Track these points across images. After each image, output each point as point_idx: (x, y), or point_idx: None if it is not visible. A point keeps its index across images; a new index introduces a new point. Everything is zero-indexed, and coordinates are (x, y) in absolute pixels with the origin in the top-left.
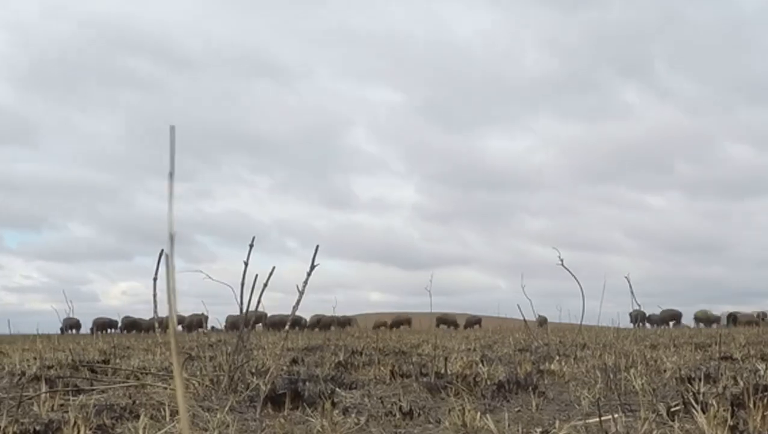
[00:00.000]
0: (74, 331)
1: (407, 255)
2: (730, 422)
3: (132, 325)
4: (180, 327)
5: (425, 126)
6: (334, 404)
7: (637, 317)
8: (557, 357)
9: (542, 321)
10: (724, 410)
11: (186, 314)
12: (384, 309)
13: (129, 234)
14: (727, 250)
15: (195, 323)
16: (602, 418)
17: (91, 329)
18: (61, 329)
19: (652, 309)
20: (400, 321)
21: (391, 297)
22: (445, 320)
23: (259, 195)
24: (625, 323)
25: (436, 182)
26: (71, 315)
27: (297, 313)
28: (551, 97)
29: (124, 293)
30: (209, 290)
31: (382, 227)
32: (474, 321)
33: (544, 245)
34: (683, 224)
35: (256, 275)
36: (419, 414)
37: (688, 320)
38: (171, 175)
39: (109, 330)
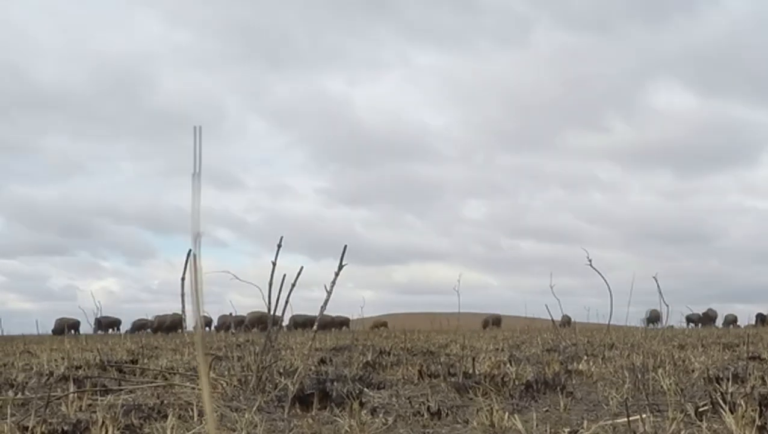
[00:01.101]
0: (73, 332)
1: (353, 248)
2: (758, 422)
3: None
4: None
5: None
6: (362, 404)
7: (657, 318)
8: (585, 357)
9: (566, 321)
10: (752, 410)
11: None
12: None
13: None
14: (711, 240)
15: (177, 322)
16: (630, 418)
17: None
18: (53, 330)
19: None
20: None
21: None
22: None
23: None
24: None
25: (319, 152)
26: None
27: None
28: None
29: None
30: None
31: (306, 215)
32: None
33: (498, 233)
34: (644, 203)
35: (284, 275)
36: (447, 414)
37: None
38: (196, 175)
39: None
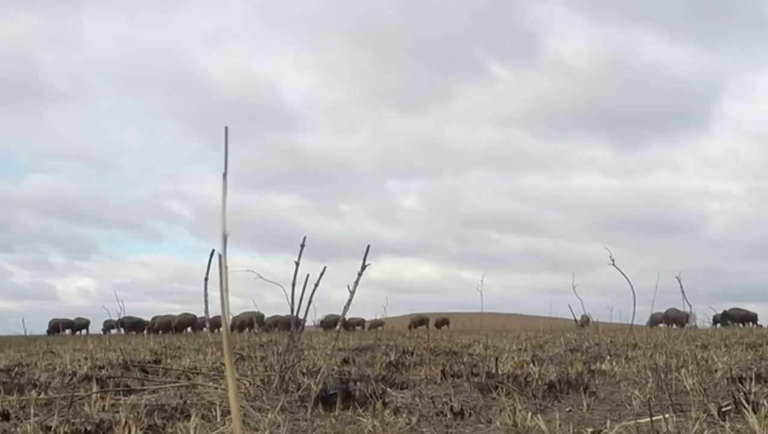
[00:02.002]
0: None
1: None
2: None
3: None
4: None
5: None
6: (385, 404)
7: (677, 318)
8: (608, 357)
9: (585, 321)
10: None
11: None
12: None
13: None
14: (692, 229)
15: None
16: (653, 418)
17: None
18: (48, 331)
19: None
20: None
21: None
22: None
23: None
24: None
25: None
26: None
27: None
28: None
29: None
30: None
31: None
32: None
33: (448, 223)
34: (592, 185)
35: (308, 275)
36: (470, 414)
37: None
38: (225, 175)
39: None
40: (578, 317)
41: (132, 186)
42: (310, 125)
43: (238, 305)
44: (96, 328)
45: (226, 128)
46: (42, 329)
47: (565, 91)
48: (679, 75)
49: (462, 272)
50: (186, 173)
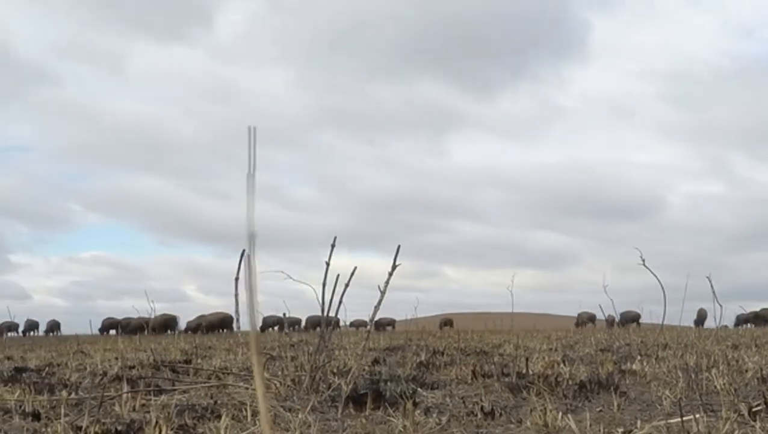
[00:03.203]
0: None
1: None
2: None
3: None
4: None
5: None
6: (415, 404)
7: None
8: (639, 357)
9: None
10: None
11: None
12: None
13: None
14: (648, 214)
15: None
16: (684, 418)
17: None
18: (23, 331)
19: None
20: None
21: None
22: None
23: None
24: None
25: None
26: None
27: (292, 315)
28: None
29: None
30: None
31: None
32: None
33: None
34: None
35: (338, 275)
36: (501, 414)
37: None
38: (251, 175)
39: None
40: (585, 316)
41: None
42: None
43: (215, 306)
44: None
45: (251, 128)
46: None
47: None
48: None
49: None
50: None
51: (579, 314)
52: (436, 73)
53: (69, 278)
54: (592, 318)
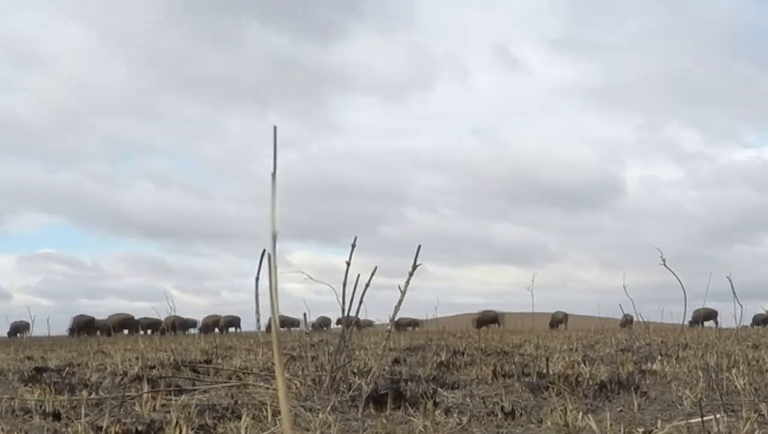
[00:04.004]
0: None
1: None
2: None
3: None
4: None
5: None
6: (436, 404)
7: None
8: (659, 357)
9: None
10: None
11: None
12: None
13: None
14: (603, 200)
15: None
16: (704, 418)
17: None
18: (9, 333)
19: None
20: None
21: None
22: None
23: None
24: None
25: None
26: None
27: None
28: None
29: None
30: None
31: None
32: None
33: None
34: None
35: (359, 275)
36: (521, 414)
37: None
38: (274, 174)
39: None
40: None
41: None
42: None
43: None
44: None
45: (275, 127)
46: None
47: None
48: None
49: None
50: None
51: (553, 315)
52: None
53: (36, 277)
54: (562, 319)
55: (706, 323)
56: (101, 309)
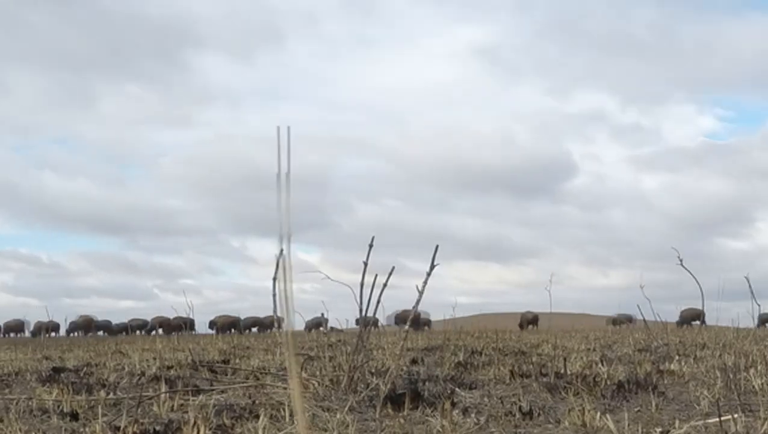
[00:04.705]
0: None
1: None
2: None
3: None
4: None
5: None
6: (453, 404)
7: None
8: (677, 357)
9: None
10: None
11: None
12: None
13: None
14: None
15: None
16: (722, 418)
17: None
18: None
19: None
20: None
21: None
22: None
23: None
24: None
25: None
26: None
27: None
28: None
29: None
30: None
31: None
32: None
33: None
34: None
35: (376, 275)
36: (539, 414)
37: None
38: (287, 174)
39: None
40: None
41: None
42: None
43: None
44: None
45: (288, 128)
46: None
47: None
48: None
49: None
50: None
51: (522, 315)
52: None
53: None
54: (531, 320)
55: (694, 324)
56: (93, 310)
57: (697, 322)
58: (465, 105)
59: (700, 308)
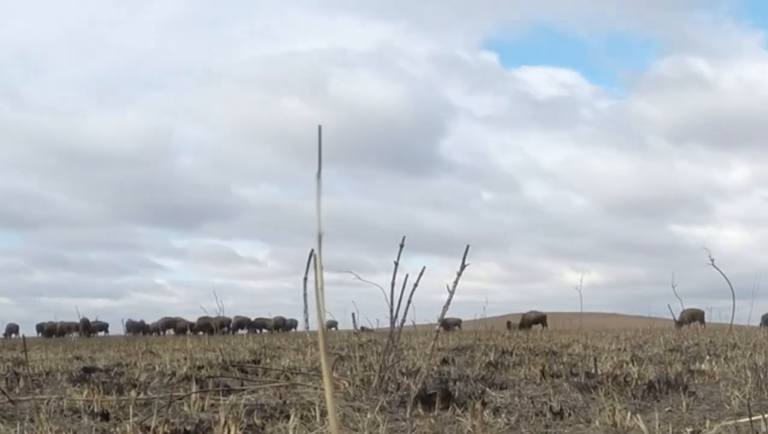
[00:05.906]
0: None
1: None
2: None
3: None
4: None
5: None
6: (484, 404)
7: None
8: (708, 357)
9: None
10: None
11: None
12: None
13: None
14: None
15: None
16: (753, 418)
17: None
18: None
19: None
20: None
21: None
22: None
23: None
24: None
25: None
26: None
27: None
28: None
29: None
30: None
31: None
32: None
33: None
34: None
35: (407, 275)
36: (569, 414)
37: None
38: (319, 174)
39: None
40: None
41: None
42: None
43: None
44: None
45: (320, 127)
46: None
47: None
48: None
49: None
50: None
51: (524, 315)
52: None
53: None
54: (537, 320)
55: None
56: (85, 309)
57: (697, 322)
58: None
59: (699, 308)
